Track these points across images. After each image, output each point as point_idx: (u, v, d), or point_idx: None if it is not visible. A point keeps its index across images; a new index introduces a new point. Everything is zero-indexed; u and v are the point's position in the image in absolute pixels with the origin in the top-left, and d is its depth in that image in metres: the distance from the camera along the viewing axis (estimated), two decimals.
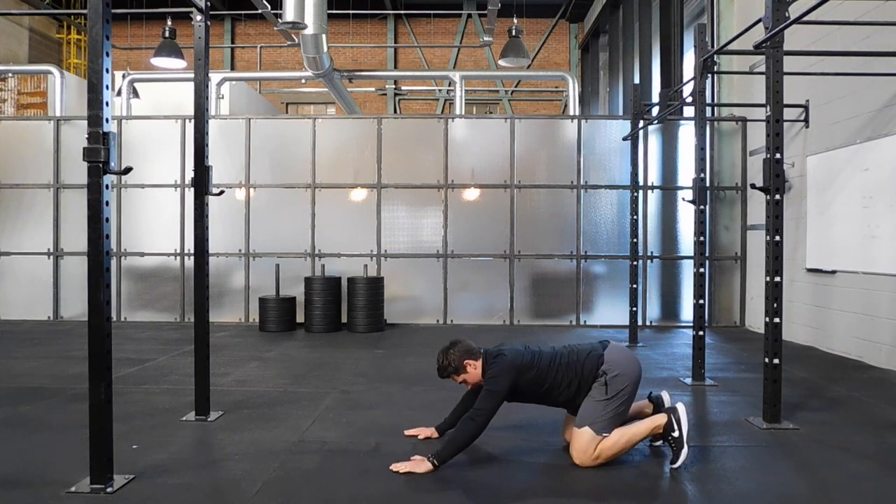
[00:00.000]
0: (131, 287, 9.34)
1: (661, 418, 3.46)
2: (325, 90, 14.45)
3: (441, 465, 3.31)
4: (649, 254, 9.17)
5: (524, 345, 3.65)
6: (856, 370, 6.05)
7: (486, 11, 11.95)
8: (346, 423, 4.26)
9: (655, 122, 8.80)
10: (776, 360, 4.14)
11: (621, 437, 3.42)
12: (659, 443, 3.69)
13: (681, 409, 3.45)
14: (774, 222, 4.19)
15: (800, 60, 7.07)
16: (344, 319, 8.63)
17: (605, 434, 3.37)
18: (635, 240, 7.56)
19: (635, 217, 7.56)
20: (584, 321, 9.10)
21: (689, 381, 5.53)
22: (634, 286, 7.52)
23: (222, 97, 11.95)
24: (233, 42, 20.09)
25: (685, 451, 3.36)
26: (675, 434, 3.38)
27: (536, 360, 3.50)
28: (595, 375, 3.45)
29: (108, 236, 3.08)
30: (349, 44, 18.62)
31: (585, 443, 3.37)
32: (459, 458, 3.45)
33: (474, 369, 3.52)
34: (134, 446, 3.71)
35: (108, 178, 3.08)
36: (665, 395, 3.81)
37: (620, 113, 15.04)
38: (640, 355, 6.79)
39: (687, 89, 7.80)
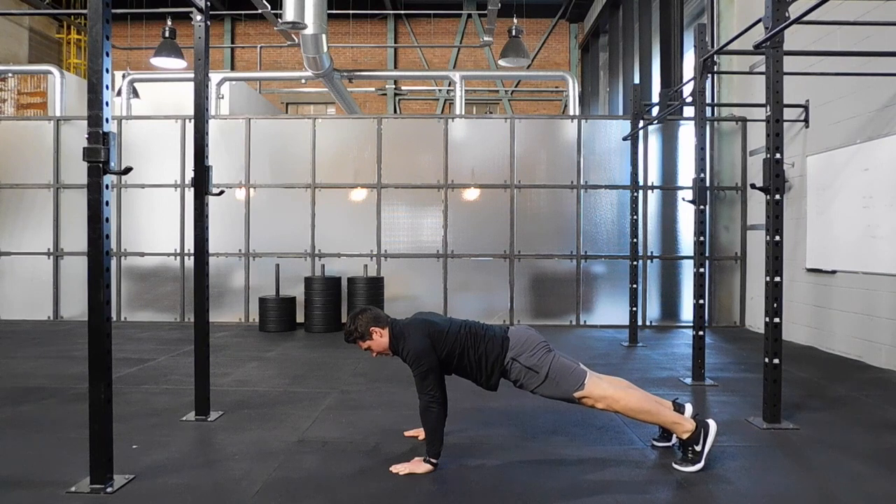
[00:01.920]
0: (131, 287, 9.34)
1: (689, 423, 3.43)
2: (325, 90, 14.45)
3: (438, 461, 3.31)
4: (649, 254, 9.17)
5: (432, 313, 3.70)
6: (856, 370, 6.05)
7: (486, 11, 11.96)
8: (346, 423, 4.26)
9: (655, 122, 8.81)
10: (776, 360, 4.15)
11: (647, 399, 3.45)
12: (664, 444, 3.68)
13: (713, 427, 3.43)
14: (774, 222, 4.19)
15: (800, 60, 7.07)
16: (344, 319, 8.62)
17: (584, 382, 3.38)
18: (635, 240, 7.56)
19: (635, 217, 7.56)
20: (584, 321, 9.10)
21: (689, 381, 5.53)
22: (634, 286, 7.52)
23: (222, 97, 11.94)
24: (233, 42, 20.09)
25: (700, 465, 3.35)
26: (698, 448, 3.38)
27: (446, 326, 3.52)
28: (503, 359, 3.44)
29: (108, 236, 3.08)
30: (349, 44, 18.61)
31: (585, 396, 3.40)
32: (459, 456, 3.47)
33: (380, 336, 3.55)
34: (134, 446, 3.71)
35: (108, 178, 3.08)
36: (689, 407, 3.77)
37: (620, 113, 15.04)
38: (640, 355, 6.85)
39: (687, 89, 7.80)
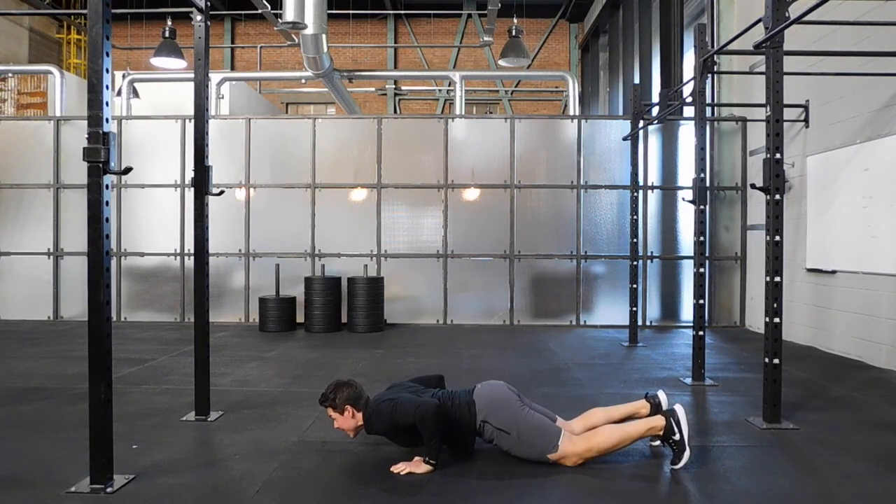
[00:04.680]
0: (131, 287, 9.34)
1: (658, 421, 3.45)
2: (325, 90, 14.45)
3: (437, 461, 3.31)
4: (649, 254, 9.17)
5: (407, 386, 3.72)
6: (856, 370, 6.04)
7: (486, 11, 11.96)
8: None
9: (655, 122, 8.80)
10: (776, 360, 4.15)
11: (612, 434, 3.42)
12: (657, 443, 3.68)
13: (680, 411, 3.44)
14: (774, 222, 4.19)
15: (800, 60, 7.07)
16: (344, 319, 8.63)
17: (558, 443, 3.36)
18: (635, 240, 7.55)
19: (635, 217, 7.56)
20: (584, 321, 9.10)
21: (689, 381, 5.53)
22: (634, 286, 7.51)
23: (222, 97, 11.95)
24: (233, 42, 20.09)
25: (687, 453, 3.36)
26: (676, 437, 3.38)
27: (417, 395, 3.53)
28: (474, 424, 3.45)
29: (108, 236, 3.08)
30: (349, 44, 18.61)
31: (560, 457, 3.38)
32: (460, 456, 3.46)
33: (351, 416, 3.52)
34: (134, 446, 3.71)
35: (108, 178, 3.08)
36: (662, 395, 3.80)
37: (620, 113, 15.04)
38: (640, 355, 6.84)
39: (687, 89, 7.80)
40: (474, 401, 3.50)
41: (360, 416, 3.53)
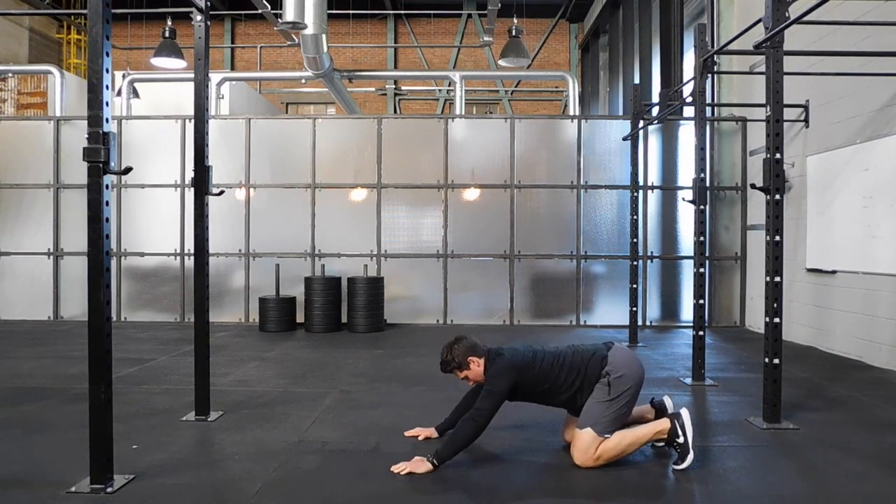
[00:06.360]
0: (131, 287, 9.34)
1: (664, 423, 3.47)
2: (325, 90, 14.45)
3: (440, 465, 3.31)
4: (649, 254, 9.17)
5: (526, 345, 3.65)
6: (856, 370, 6.04)
7: (486, 11, 11.96)
8: (346, 423, 4.26)
9: (655, 122, 8.80)
10: (776, 360, 4.15)
11: (622, 439, 3.42)
12: (661, 444, 3.68)
13: (685, 414, 3.46)
14: (774, 222, 4.19)
15: (800, 60, 7.07)
16: (344, 319, 8.63)
17: (606, 435, 3.37)
18: (635, 240, 7.55)
19: (635, 217, 7.56)
20: (584, 321, 9.10)
21: (689, 381, 5.53)
22: (634, 286, 7.51)
23: (222, 97, 11.94)
24: (233, 42, 20.09)
25: (691, 455, 3.37)
26: (680, 440, 3.39)
27: (538, 359, 3.50)
28: (598, 376, 3.45)
29: (108, 236, 3.08)
30: (349, 44, 18.61)
31: (587, 443, 3.37)
32: (460, 457, 3.45)
33: (477, 366, 3.52)
34: (134, 446, 3.71)
35: (108, 178, 3.08)
36: (667, 400, 3.81)
37: (620, 113, 15.03)
38: (639, 355, 6.81)
39: (687, 89, 7.80)
40: (608, 356, 3.48)
41: (482, 361, 3.52)
